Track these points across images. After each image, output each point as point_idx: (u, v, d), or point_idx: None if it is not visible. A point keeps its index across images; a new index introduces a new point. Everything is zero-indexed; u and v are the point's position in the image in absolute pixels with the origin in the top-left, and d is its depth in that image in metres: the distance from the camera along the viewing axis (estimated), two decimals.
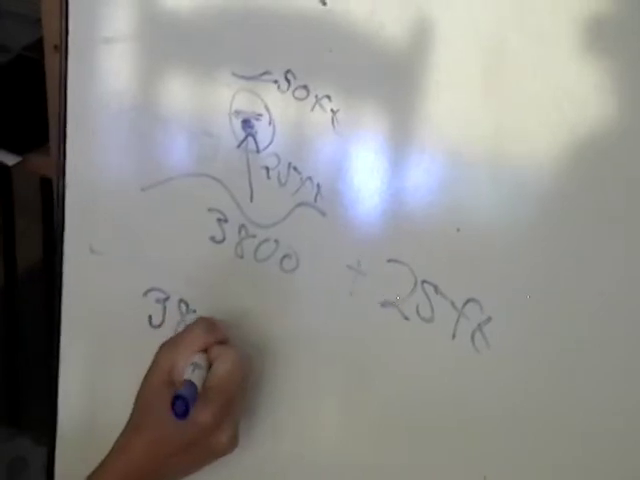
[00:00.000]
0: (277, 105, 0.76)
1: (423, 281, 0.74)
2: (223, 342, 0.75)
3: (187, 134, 0.81)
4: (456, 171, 0.72)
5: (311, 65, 0.75)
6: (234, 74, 0.77)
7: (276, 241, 0.79)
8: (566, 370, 0.71)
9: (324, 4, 0.73)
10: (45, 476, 0.94)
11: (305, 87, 0.75)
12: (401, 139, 0.73)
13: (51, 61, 1.21)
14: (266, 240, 0.79)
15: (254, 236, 0.80)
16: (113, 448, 0.74)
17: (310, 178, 0.77)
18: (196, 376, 0.70)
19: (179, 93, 0.81)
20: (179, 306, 0.84)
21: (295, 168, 0.77)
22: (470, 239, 0.72)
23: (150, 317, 0.85)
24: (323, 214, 0.77)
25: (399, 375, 0.77)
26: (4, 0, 1.66)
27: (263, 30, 0.76)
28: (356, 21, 0.72)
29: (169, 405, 0.67)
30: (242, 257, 0.81)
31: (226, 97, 0.78)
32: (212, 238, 0.81)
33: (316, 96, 0.75)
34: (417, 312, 0.75)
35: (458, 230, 0.72)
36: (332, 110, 0.75)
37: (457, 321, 0.74)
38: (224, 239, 0.81)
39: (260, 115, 0.77)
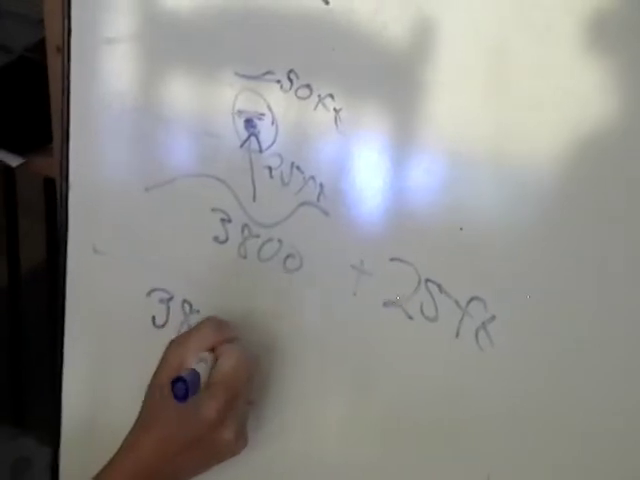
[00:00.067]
0: (280, 104, 0.76)
1: (427, 280, 0.74)
2: (231, 341, 0.75)
3: (190, 134, 0.81)
4: (459, 170, 0.72)
5: (314, 64, 0.75)
6: (237, 74, 0.77)
7: (279, 241, 0.79)
8: (570, 369, 0.71)
9: (327, 3, 0.73)
10: (49, 476, 0.94)
11: (308, 86, 0.75)
12: (404, 138, 0.73)
13: (54, 62, 1.21)
14: (269, 240, 0.79)
15: (257, 236, 0.80)
16: (122, 446, 0.74)
17: (313, 177, 0.77)
18: (200, 368, 0.71)
19: (182, 93, 0.81)
20: (182, 306, 0.84)
21: (298, 167, 0.77)
22: (473, 238, 0.72)
23: (154, 317, 0.85)
24: (326, 214, 0.77)
25: (403, 374, 0.77)
26: (6, 1, 1.66)
27: (265, 29, 0.76)
28: (359, 20, 0.72)
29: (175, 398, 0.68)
30: (245, 257, 0.81)
31: (229, 97, 0.78)
32: (215, 238, 0.81)
33: (319, 95, 0.75)
34: (421, 311, 0.75)
35: (461, 229, 0.72)
36: (335, 109, 0.75)
37: (461, 320, 0.74)
38: (227, 239, 0.81)
39: (263, 115, 0.77)
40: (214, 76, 0.79)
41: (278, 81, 0.76)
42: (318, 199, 0.77)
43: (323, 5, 0.73)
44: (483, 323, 0.73)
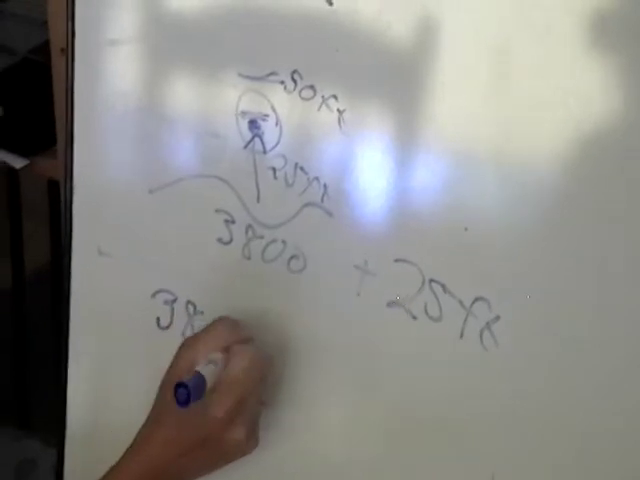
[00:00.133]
0: (284, 106, 0.77)
1: (431, 280, 0.74)
2: (245, 342, 0.75)
3: (194, 135, 0.81)
4: (462, 170, 0.72)
5: (317, 65, 0.75)
6: (240, 75, 0.78)
7: (283, 242, 0.79)
8: (574, 369, 0.71)
9: (330, 4, 0.73)
10: (54, 478, 0.94)
11: (312, 87, 0.75)
12: (407, 139, 0.73)
13: (58, 64, 1.22)
14: (273, 241, 0.79)
15: (261, 237, 0.80)
16: (132, 444, 0.74)
17: (317, 178, 0.77)
18: (208, 370, 0.71)
19: (186, 94, 0.81)
20: (187, 307, 0.84)
21: (302, 168, 0.77)
22: (478, 238, 0.72)
23: (158, 319, 0.85)
24: (330, 214, 0.77)
25: (408, 374, 0.77)
26: (10, 3, 1.67)
27: (269, 31, 0.76)
28: (363, 21, 0.72)
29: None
30: (249, 258, 0.81)
31: (232, 98, 0.78)
32: (219, 239, 0.81)
33: (323, 96, 0.75)
34: (425, 311, 0.75)
35: (466, 229, 0.72)
36: (339, 110, 0.75)
37: (465, 320, 0.73)
38: (231, 240, 0.81)
39: (267, 116, 0.77)
40: (218, 77, 0.79)
41: (282, 82, 0.76)
42: (322, 200, 0.77)
43: (327, 6, 0.73)
44: (487, 323, 0.73)
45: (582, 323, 0.70)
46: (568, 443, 0.72)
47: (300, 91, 0.76)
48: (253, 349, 0.74)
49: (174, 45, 0.80)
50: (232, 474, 0.77)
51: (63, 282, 0.89)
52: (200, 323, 0.81)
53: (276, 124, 0.77)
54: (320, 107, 0.75)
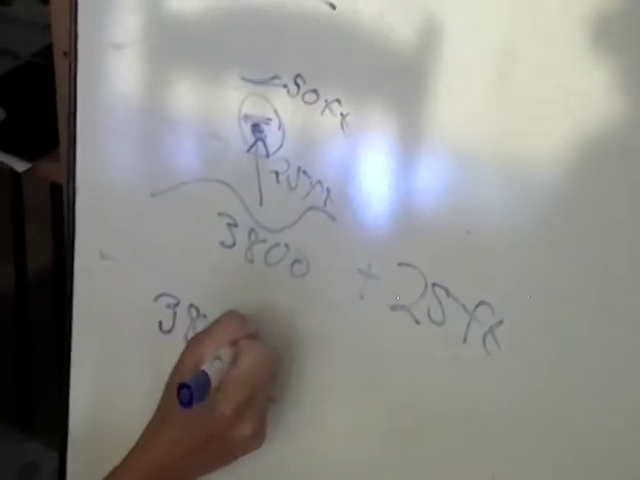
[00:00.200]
0: (287, 109, 0.76)
1: (434, 284, 0.74)
2: (252, 337, 0.74)
3: (196, 138, 0.81)
4: (466, 173, 0.72)
5: (321, 69, 0.75)
6: (243, 78, 0.77)
7: (286, 245, 0.79)
8: (578, 372, 0.71)
9: (333, 8, 0.73)
10: None
11: (315, 91, 0.75)
12: (410, 142, 0.73)
13: (61, 67, 1.21)
14: (276, 245, 0.79)
15: (264, 241, 0.80)
16: (137, 444, 0.74)
17: (320, 182, 0.77)
18: (213, 368, 0.70)
19: (188, 98, 0.81)
20: (189, 311, 0.84)
21: (305, 172, 0.77)
22: (481, 241, 0.72)
23: (160, 322, 0.85)
24: (333, 218, 0.77)
25: (410, 378, 0.76)
26: (14, 7, 1.67)
27: (272, 34, 0.76)
28: (365, 24, 0.72)
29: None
30: (252, 262, 0.81)
31: (235, 101, 0.78)
32: (222, 243, 0.81)
33: (326, 100, 0.75)
34: (428, 315, 0.75)
35: (468, 232, 0.72)
36: (342, 114, 0.75)
37: (468, 324, 0.73)
38: (234, 244, 0.81)
39: (269, 119, 0.77)
40: (220, 80, 0.79)
41: (285, 86, 0.76)
42: (325, 204, 0.77)
43: (330, 10, 0.73)
44: (491, 328, 0.73)
45: (585, 326, 0.70)
46: (568, 443, 0.72)
47: (303, 95, 0.75)
48: (262, 345, 0.73)
49: (177, 48, 0.80)
50: (235, 472, 0.77)
51: (65, 285, 0.89)
52: (203, 327, 0.81)
53: (279, 128, 0.77)
54: (323, 111, 0.75)
